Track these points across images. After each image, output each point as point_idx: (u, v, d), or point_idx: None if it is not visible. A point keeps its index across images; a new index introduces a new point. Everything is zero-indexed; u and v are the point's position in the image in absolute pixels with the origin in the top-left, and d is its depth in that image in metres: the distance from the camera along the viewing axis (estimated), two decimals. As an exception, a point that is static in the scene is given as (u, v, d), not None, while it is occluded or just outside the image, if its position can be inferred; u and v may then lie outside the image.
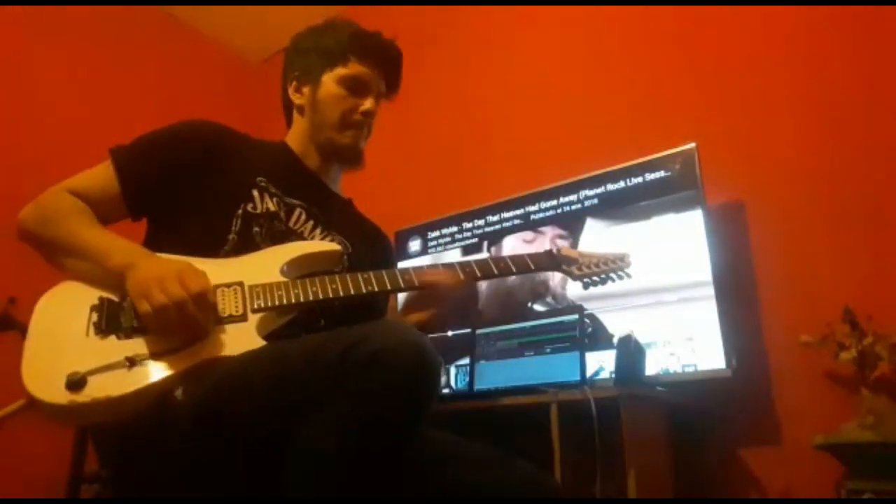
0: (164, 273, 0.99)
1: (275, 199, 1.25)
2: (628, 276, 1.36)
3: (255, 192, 1.23)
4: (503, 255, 1.31)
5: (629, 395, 1.56)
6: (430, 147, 2.81)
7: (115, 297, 1.04)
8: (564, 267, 1.34)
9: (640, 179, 2.01)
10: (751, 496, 1.80)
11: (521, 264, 1.31)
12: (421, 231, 2.49)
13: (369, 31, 1.37)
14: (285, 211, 1.25)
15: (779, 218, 1.92)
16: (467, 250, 2.37)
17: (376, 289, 1.15)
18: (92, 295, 1.04)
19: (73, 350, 0.96)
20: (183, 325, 0.98)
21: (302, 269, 1.18)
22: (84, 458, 1.98)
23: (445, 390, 2.10)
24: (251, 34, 3.35)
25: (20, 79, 2.65)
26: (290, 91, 1.38)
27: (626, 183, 2.03)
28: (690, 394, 1.78)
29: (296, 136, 1.38)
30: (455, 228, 2.42)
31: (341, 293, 1.12)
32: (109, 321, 1.01)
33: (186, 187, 1.20)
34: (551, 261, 1.35)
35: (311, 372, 0.86)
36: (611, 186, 2.07)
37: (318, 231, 1.28)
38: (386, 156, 2.90)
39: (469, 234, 2.38)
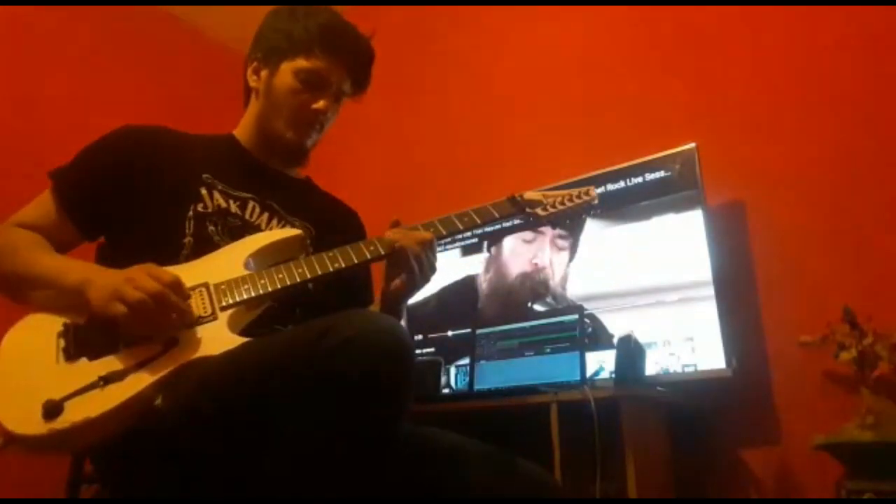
0: (129, 274, 0.97)
1: (224, 195, 1.21)
2: (595, 209, 1.32)
3: (203, 191, 1.20)
4: (467, 210, 1.25)
5: (629, 395, 1.56)
6: (430, 147, 2.81)
7: (80, 321, 1.01)
8: (528, 210, 1.28)
9: (640, 179, 2.01)
10: (751, 496, 1.80)
11: (486, 214, 1.25)
12: (421, 231, 2.49)
13: (344, 24, 1.30)
14: (238, 205, 1.22)
15: (779, 218, 1.92)
16: (467, 250, 2.37)
17: (343, 265, 1.11)
18: (57, 323, 1.02)
19: (45, 379, 0.94)
20: (166, 316, 0.96)
21: (266, 260, 1.15)
22: (84, 459, 1.99)
23: (445, 390, 2.10)
24: (251, 34, 3.34)
25: (19, 79, 2.65)
26: (249, 72, 1.32)
27: (626, 183, 2.03)
28: (690, 394, 1.78)
29: (246, 123, 1.34)
30: (455, 228, 2.41)
31: (308, 275, 1.08)
32: (77, 345, 0.99)
33: (131, 196, 1.17)
34: (515, 206, 1.28)
35: (288, 363, 0.85)
36: (611, 186, 2.07)
37: (274, 222, 1.25)
38: (386, 156, 2.91)
39: (469, 233, 2.38)
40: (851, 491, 1.51)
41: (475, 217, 1.24)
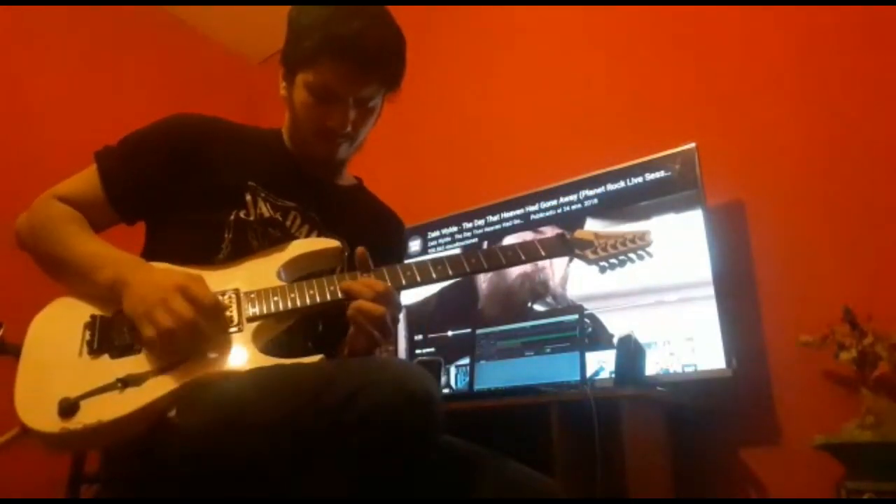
0: (163, 292, 0.94)
1: (268, 204, 1.17)
2: (649, 255, 1.23)
3: (248, 197, 1.16)
4: (512, 244, 1.18)
5: (629, 395, 1.56)
6: (430, 147, 2.81)
7: (107, 313, 1.00)
8: (578, 252, 1.21)
9: (640, 179, 2.01)
10: (751, 496, 1.80)
11: (532, 252, 1.18)
12: (421, 231, 2.50)
13: (355, 23, 1.12)
14: (280, 215, 1.18)
15: (779, 218, 1.92)
16: (467, 250, 2.37)
17: None
18: (85, 312, 1.00)
19: (66, 373, 0.93)
20: (193, 344, 0.95)
21: (300, 270, 1.13)
22: (84, 459, 1.99)
23: (445, 390, 2.10)
24: (251, 34, 3.35)
25: (20, 79, 2.65)
26: (280, 79, 1.24)
27: (626, 183, 2.03)
28: (690, 394, 1.78)
29: (285, 127, 1.28)
30: (455, 228, 2.42)
31: (340, 295, 1.06)
32: (101, 340, 0.97)
33: (176, 191, 1.14)
34: (564, 247, 1.21)
35: (310, 418, 0.83)
36: (611, 186, 2.07)
37: (314, 234, 1.21)
38: (386, 156, 2.90)
39: (469, 234, 2.38)
40: (851, 491, 1.51)
41: (521, 253, 1.18)
